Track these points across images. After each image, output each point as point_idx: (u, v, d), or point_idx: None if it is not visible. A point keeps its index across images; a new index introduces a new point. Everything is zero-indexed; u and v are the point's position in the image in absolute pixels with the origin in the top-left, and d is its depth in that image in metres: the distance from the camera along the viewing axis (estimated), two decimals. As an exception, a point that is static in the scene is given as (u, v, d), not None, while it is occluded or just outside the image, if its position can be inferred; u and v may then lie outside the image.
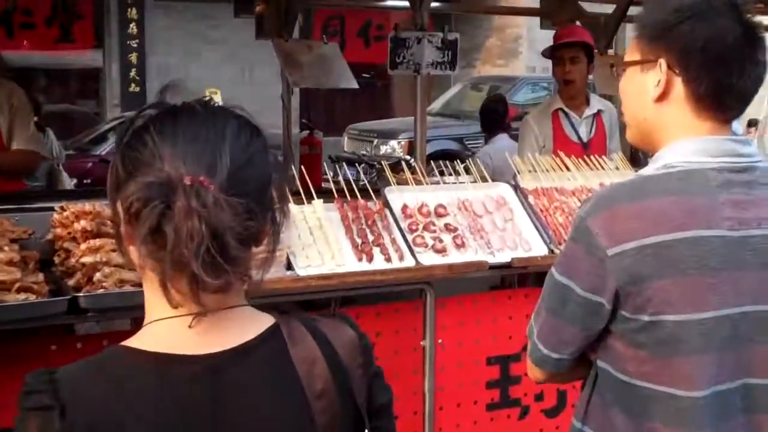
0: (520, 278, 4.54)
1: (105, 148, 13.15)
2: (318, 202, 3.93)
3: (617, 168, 4.80)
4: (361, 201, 4.01)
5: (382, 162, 5.17)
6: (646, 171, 1.96)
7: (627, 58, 2.02)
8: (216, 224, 1.34)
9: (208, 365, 1.41)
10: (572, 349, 1.98)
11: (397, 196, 4.14)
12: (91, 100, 19.36)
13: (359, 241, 3.88)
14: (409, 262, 3.87)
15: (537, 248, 4.17)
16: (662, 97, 1.94)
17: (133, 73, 17.75)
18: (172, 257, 1.33)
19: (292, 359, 1.47)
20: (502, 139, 7.34)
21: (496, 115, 7.47)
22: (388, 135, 14.51)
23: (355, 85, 6.29)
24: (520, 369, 4.21)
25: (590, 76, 5.46)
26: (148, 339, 1.42)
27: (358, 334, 1.61)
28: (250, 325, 1.49)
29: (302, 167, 4.26)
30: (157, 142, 1.39)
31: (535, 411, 4.33)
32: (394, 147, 14.27)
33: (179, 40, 17.58)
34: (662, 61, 1.92)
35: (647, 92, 1.96)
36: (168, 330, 1.42)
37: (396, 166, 11.15)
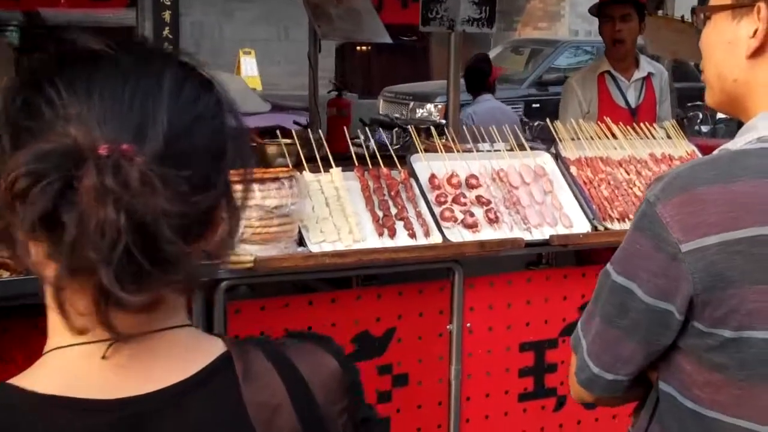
0: (558, 256, 4.13)
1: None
2: (336, 170, 3.55)
3: (669, 137, 4.36)
4: (384, 169, 3.62)
5: (409, 127, 4.76)
6: (734, 145, 1.55)
7: (714, 1, 1.61)
8: (142, 212, 0.92)
9: (128, 415, 1.00)
10: (631, 369, 1.58)
11: (424, 164, 3.75)
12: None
13: (380, 214, 3.50)
14: (435, 238, 3.49)
15: (579, 224, 3.77)
16: (758, 52, 1.54)
17: (166, 31, 17.34)
18: (70, 260, 0.92)
19: (246, 404, 1.06)
20: (487, 100, 6.98)
21: (481, 75, 7.06)
22: (424, 98, 14.05)
23: (388, 40, 5.89)
24: (556, 356, 3.82)
25: (640, 37, 4.99)
26: (44, 376, 1.01)
27: (342, 365, 1.18)
28: (189, 355, 1.07)
29: (319, 131, 3.86)
30: (64, 96, 0.98)
31: (572, 401, 3.94)
32: (431, 110, 13.82)
33: (213, -1, 17.20)
34: (762, 5, 1.51)
35: (739, 45, 1.55)
36: (72, 363, 1.01)
37: (430, 131, 10.75)
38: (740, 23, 1.55)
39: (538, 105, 13.81)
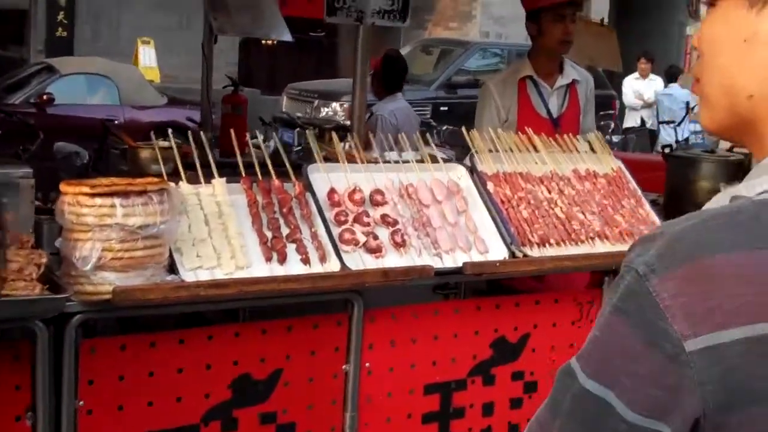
0: (468, 285, 3.70)
1: (19, 97, 11.99)
2: (218, 182, 3.03)
3: (593, 150, 3.97)
4: (276, 182, 3.12)
5: (307, 130, 4.29)
6: (749, 190, 1.10)
7: None
8: None
9: None
10: None
11: (323, 176, 3.26)
12: (16, 44, 18.06)
13: (269, 235, 3.00)
14: (333, 265, 3.01)
15: (495, 250, 3.34)
16: None
17: (60, 16, 16.51)
18: None
19: None
20: (401, 99, 6.55)
21: (399, 72, 6.62)
22: (329, 96, 13.54)
23: (288, 38, 5.39)
24: (465, 399, 3.38)
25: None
26: None
27: None
28: None
29: (201, 134, 3.34)
30: None
31: (481, 449, 3.51)
32: (336, 110, 13.32)
33: (111, -18, 16.40)
34: None
35: (761, 46, 1.11)
36: None
37: (337, 132, 10.26)
38: (763, 13, 1.11)
39: (446, 108, 13.44)
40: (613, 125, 12.22)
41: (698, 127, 13.19)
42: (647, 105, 13.63)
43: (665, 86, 13.83)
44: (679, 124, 12.14)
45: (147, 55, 16.04)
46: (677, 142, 10.69)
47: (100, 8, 16.59)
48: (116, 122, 11.50)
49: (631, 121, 13.63)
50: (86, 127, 9.56)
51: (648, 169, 5.79)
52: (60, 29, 16.54)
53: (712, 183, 5.01)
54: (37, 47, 16.39)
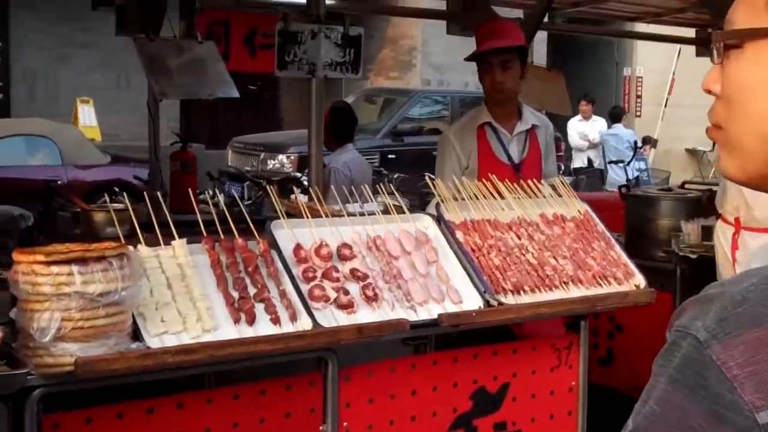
0: (442, 336, 3.58)
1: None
2: (179, 243, 2.89)
3: (558, 194, 3.90)
4: (239, 240, 2.98)
5: (267, 186, 4.18)
6: None
7: (747, 21, 1.07)
8: None
9: None
10: None
11: (287, 232, 3.13)
12: (-49, 107, 17.71)
13: (236, 295, 2.85)
14: (304, 323, 2.87)
15: (469, 299, 3.24)
16: None
17: (-5, 77, 16.21)
18: None
19: None
20: (352, 149, 6.46)
21: (350, 122, 6.56)
22: (276, 148, 13.43)
23: (235, 94, 5.28)
24: (446, 456, 3.25)
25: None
26: None
27: None
28: None
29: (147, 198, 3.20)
30: None
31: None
32: (283, 162, 13.20)
33: (47, 42, 16.11)
34: None
35: None
36: None
37: (285, 184, 10.13)
38: None
39: (394, 156, 13.40)
40: (562, 167, 12.28)
41: (643, 165, 13.35)
42: (593, 145, 13.77)
43: (609, 126, 13.99)
44: (628, 163, 12.24)
45: (87, 114, 15.76)
46: (628, 180, 10.76)
47: (35, 69, 16.31)
48: (59, 182, 11.26)
49: (578, 161, 13.76)
50: (28, 189, 9.33)
51: (603, 208, 5.77)
52: (-6, 90, 16.23)
53: (672, 220, 5.00)
54: (-28, 110, 16.09)
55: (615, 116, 14.04)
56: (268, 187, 3.68)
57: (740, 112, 1.07)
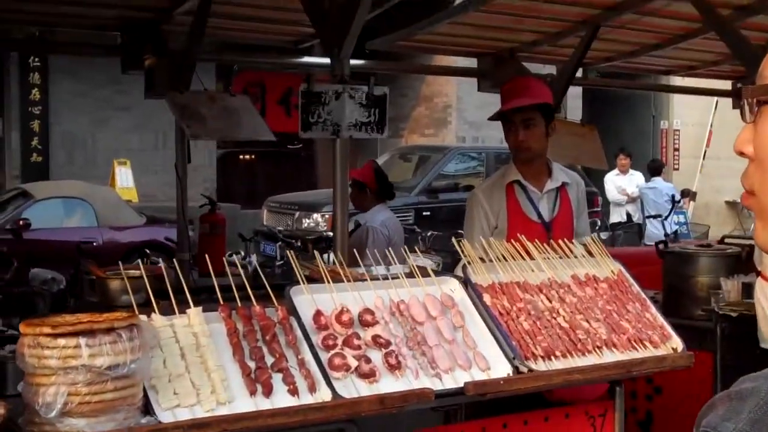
0: (472, 405, 3.44)
1: (-2, 222, 11.80)
2: (195, 311, 2.80)
3: (591, 254, 3.77)
4: (257, 307, 2.89)
5: (296, 244, 4.09)
6: None
7: None
8: None
9: None
10: None
11: (307, 298, 3.04)
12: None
13: (253, 365, 2.75)
14: (323, 394, 2.76)
15: (497, 366, 3.10)
16: None
17: (35, 141, 16.42)
18: None
19: None
20: (387, 209, 6.51)
21: (389, 181, 6.55)
22: (310, 207, 13.40)
23: (271, 137, 5.23)
24: None
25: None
26: None
27: None
28: None
29: (164, 262, 3.12)
30: None
31: None
32: (318, 221, 13.16)
33: (85, 106, 16.34)
34: None
35: None
36: None
37: (319, 243, 10.07)
38: None
39: (428, 213, 13.32)
40: (599, 222, 12.11)
41: (682, 219, 13.13)
42: (631, 200, 13.59)
43: (647, 180, 13.81)
44: (666, 217, 12.04)
45: (124, 176, 15.91)
46: (666, 235, 10.56)
47: (74, 132, 16.53)
48: (94, 244, 11.31)
49: (616, 216, 13.57)
50: (63, 251, 9.37)
51: (640, 263, 5.62)
52: (35, 155, 16.44)
53: (711, 278, 4.84)
54: (12, 173, 16.28)
55: (654, 169, 13.87)
56: (288, 252, 3.58)
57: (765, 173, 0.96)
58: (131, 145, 16.55)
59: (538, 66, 8.33)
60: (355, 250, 5.04)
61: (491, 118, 4.31)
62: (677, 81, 10.57)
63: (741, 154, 1.02)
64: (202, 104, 5.16)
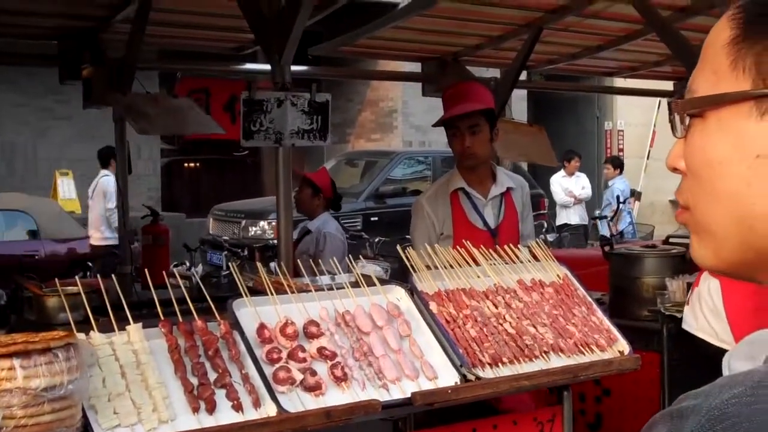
0: (421, 414, 3.40)
1: (-65, 238, 11.53)
2: (134, 327, 2.73)
3: (536, 258, 3.76)
4: (198, 322, 2.83)
5: (242, 254, 4.03)
6: None
7: (705, 90, 0.94)
8: None
9: None
10: None
11: (250, 311, 2.98)
12: (-69, 183, 17.54)
13: (195, 382, 2.69)
14: (268, 409, 2.70)
15: (445, 374, 3.07)
16: None
17: (-26, 153, 16.10)
18: None
19: None
20: (332, 218, 6.43)
21: (338, 193, 6.54)
22: (256, 215, 13.28)
23: (220, 130, 5.16)
24: None
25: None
26: None
27: None
28: None
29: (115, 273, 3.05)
30: None
31: None
32: (264, 228, 13.04)
33: (26, 116, 16.03)
34: None
35: None
36: None
37: (266, 251, 9.98)
38: None
39: (376, 218, 13.29)
40: (546, 225, 12.16)
41: (628, 219, 13.25)
42: (578, 201, 13.68)
43: (612, 178, 13.75)
44: (611, 218, 12.14)
45: (66, 187, 15.63)
46: (611, 236, 10.65)
47: (14, 143, 16.22)
48: (36, 257, 11.09)
49: (563, 218, 13.63)
50: (4, 266, 9.17)
51: (588, 264, 5.65)
52: (-26, 166, 16.10)
53: (657, 278, 4.86)
54: (-50, 186, 15.93)
55: (620, 166, 13.93)
56: (231, 264, 3.52)
57: (706, 192, 0.93)
58: (73, 155, 16.26)
59: (482, 69, 8.36)
60: (306, 257, 5.00)
61: (436, 125, 4.29)
62: (620, 82, 10.68)
63: (674, 170, 0.99)
64: (147, 104, 5.08)
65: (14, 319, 5.11)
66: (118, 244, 10.17)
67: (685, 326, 4.19)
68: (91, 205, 11.58)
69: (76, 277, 2.88)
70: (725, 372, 0.89)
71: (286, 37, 4.24)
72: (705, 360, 4.02)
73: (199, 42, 7.02)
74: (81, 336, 2.56)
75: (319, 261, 3.87)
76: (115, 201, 10.62)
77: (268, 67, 4.58)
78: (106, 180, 11.50)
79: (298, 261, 4.02)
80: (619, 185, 13.32)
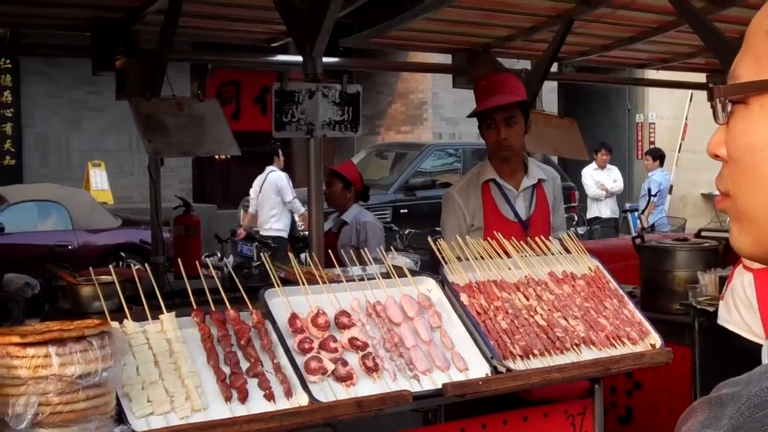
0: (451, 405, 3.41)
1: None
2: (167, 317, 2.75)
3: (567, 251, 3.75)
4: (231, 311, 2.85)
5: (263, 253, 4.06)
6: None
7: (748, 76, 0.93)
8: None
9: None
10: None
11: (282, 301, 2.99)
12: (-37, 176, 17.76)
13: (227, 371, 2.71)
14: (300, 398, 2.72)
15: (476, 366, 3.07)
16: None
17: (7, 144, 16.25)
18: None
19: None
20: (361, 208, 6.38)
21: (365, 185, 6.52)
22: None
23: (236, 152, 5.17)
24: None
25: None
26: None
27: None
28: None
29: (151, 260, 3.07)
30: None
31: None
32: (295, 220, 13.09)
33: (58, 108, 16.18)
34: None
35: None
36: None
37: (297, 243, 10.00)
38: None
39: (406, 210, 13.28)
40: (576, 217, 12.09)
41: (660, 212, 13.15)
42: (610, 195, 13.58)
43: (651, 170, 13.63)
44: (642, 211, 12.05)
45: (98, 178, 15.77)
46: (642, 229, 10.58)
47: (47, 135, 16.35)
48: (69, 247, 11.20)
49: (594, 211, 13.54)
50: (37, 255, 9.26)
51: (620, 257, 5.61)
52: (8, 158, 16.26)
53: (688, 272, 4.83)
54: (-15, 177, 16.11)
55: (660, 158, 13.77)
56: (263, 254, 3.54)
57: (750, 179, 0.93)
58: (106, 146, 16.40)
59: (512, 61, 8.34)
60: (349, 248, 5.03)
61: (471, 115, 4.26)
62: (652, 74, 10.59)
63: (715, 156, 0.99)
64: (169, 113, 5.10)
65: (48, 307, 5.17)
66: (289, 233, 10.59)
67: (720, 321, 4.16)
68: (260, 199, 12.00)
69: (110, 267, 2.90)
70: (764, 360, 0.89)
71: (318, 29, 4.24)
72: (737, 354, 4.00)
73: (231, 33, 7.06)
74: (115, 324, 2.58)
75: (365, 251, 3.86)
76: (292, 193, 11.42)
77: (299, 58, 4.59)
78: (276, 175, 12.01)
79: (342, 252, 4.01)
80: (657, 177, 13.18)
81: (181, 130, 4.90)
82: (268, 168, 12.14)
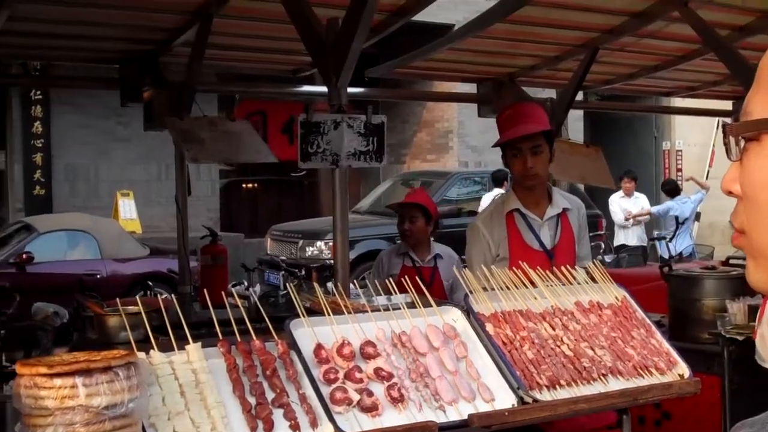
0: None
1: (2, 255, 11.78)
2: (194, 347, 2.77)
3: (593, 280, 3.73)
4: (256, 342, 2.86)
5: (299, 273, 4.07)
6: None
7: (762, 113, 0.93)
8: None
9: None
10: None
11: (307, 331, 3.00)
12: (-6, 205, 17.96)
13: (253, 401, 2.71)
14: (325, 429, 2.72)
15: (501, 397, 3.05)
16: None
17: (38, 174, 16.44)
18: None
19: None
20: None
21: None
22: (313, 235, 13.37)
23: (272, 159, 5.21)
24: None
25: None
26: None
27: None
28: None
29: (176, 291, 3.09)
30: None
31: None
32: (321, 248, 13.13)
33: (88, 138, 16.37)
34: None
35: None
36: None
37: (323, 271, 10.02)
38: None
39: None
40: (603, 245, 12.05)
41: (688, 240, 13.07)
42: (637, 222, 13.52)
43: (652, 203, 13.69)
44: (671, 239, 11.98)
45: (127, 207, 15.91)
46: (670, 257, 10.52)
47: (76, 164, 16.55)
48: (98, 276, 11.29)
49: (621, 239, 13.47)
50: (66, 285, 9.34)
51: (647, 283, 5.58)
52: (38, 187, 16.45)
53: (717, 300, 4.79)
54: (15, 206, 16.29)
55: (669, 192, 13.74)
56: (288, 284, 3.55)
57: (764, 216, 0.92)
58: (134, 176, 16.56)
59: (538, 90, 8.35)
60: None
61: (496, 145, 4.26)
62: (678, 102, 10.57)
63: (729, 193, 0.99)
64: (203, 128, 5.15)
65: (76, 336, 5.21)
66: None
67: (759, 360, 4.11)
68: None
69: (137, 297, 2.92)
70: None
71: (343, 60, 4.28)
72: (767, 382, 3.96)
73: (257, 65, 7.12)
74: (141, 355, 2.60)
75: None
76: None
77: (324, 89, 4.63)
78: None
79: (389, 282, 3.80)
80: (677, 206, 13.14)
81: (217, 141, 4.96)
82: (495, 190, 11.67)
